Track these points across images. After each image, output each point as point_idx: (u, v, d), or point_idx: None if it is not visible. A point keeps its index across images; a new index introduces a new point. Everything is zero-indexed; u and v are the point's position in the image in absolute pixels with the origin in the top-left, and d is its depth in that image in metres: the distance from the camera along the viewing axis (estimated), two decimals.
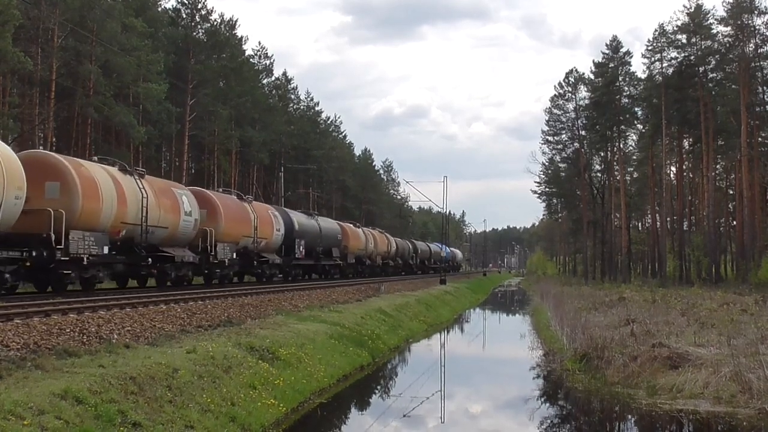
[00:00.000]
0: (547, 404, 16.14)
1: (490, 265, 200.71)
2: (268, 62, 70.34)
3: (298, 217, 36.99)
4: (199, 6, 54.20)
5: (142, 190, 22.05)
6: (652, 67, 58.91)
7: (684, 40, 55.62)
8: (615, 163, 67.44)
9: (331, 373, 15.87)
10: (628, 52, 64.68)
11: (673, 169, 65.22)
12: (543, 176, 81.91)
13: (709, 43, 53.75)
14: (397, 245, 60.76)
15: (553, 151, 75.30)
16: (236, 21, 58.21)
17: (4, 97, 35.60)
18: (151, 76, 42.50)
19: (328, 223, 43.15)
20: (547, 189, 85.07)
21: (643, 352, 16.46)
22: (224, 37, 55.67)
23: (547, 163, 79.01)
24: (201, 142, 55.94)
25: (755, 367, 13.77)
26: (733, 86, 52.03)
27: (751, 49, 49.60)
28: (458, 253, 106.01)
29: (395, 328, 25.69)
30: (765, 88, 51.14)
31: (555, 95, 72.48)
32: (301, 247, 35.45)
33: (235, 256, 28.09)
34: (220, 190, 34.26)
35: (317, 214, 43.11)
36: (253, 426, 10.81)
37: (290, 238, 34.23)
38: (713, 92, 54.30)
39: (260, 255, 30.96)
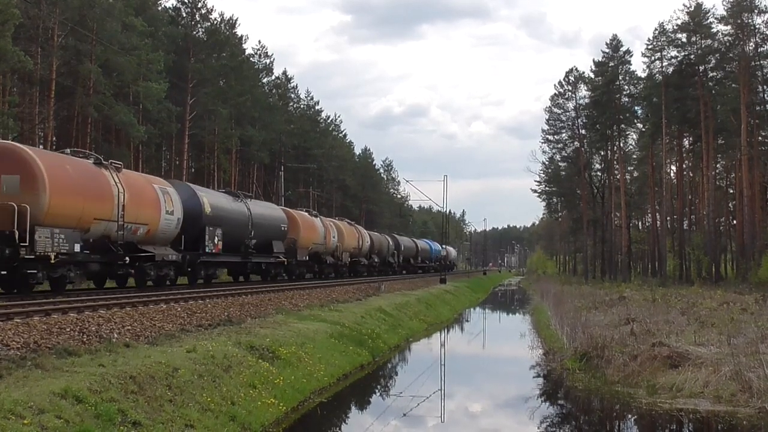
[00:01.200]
0: (547, 403, 16.14)
1: (490, 264, 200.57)
2: (268, 61, 70.34)
3: (211, 198, 27.92)
4: (199, 5, 54.15)
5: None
6: (652, 66, 58.95)
7: (684, 39, 55.60)
8: (615, 162, 67.42)
9: (331, 372, 15.87)
10: (628, 51, 64.74)
11: (673, 168, 65.28)
12: (543, 175, 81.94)
13: (709, 42, 53.72)
14: (372, 240, 52.34)
15: (553, 150, 75.41)
16: (236, 20, 58.23)
17: (4, 96, 35.56)
18: (151, 75, 42.47)
19: (265, 209, 34.06)
20: (547, 188, 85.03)
21: (643, 352, 16.47)
22: (224, 36, 55.62)
23: (547, 162, 79.05)
24: (201, 141, 55.91)
25: (755, 366, 13.78)
26: (733, 85, 51.99)
27: (751, 48, 49.58)
28: (452, 250, 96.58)
29: (395, 327, 25.70)
30: (765, 87, 51.10)
31: (555, 94, 72.56)
32: (216, 239, 26.67)
33: (77, 248, 18.61)
34: (69, 151, 21.32)
35: (251, 197, 34.26)
36: (253, 425, 10.81)
37: (196, 226, 25.37)
38: (713, 91, 54.28)
39: (137, 247, 21.81)
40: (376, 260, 52.98)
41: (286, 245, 33.93)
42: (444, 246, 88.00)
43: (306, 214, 39.74)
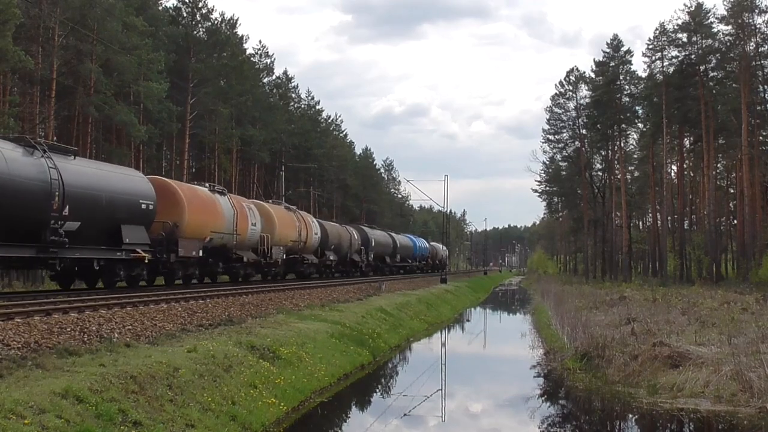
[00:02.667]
0: (548, 403, 16.14)
1: (491, 264, 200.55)
2: (268, 61, 70.30)
3: None
4: (200, 5, 54.13)
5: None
6: (652, 66, 58.89)
7: (685, 39, 55.55)
8: (616, 162, 67.37)
9: (331, 372, 15.87)
10: (628, 51, 64.64)
11: (674, 167, 65.26)
12: (544, 175, 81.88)
13: (709, 41, 53.68)
14: (325, 232, 40.78)
15: (554, 150, 75.34)
16: (237, 20, 58.17)
17: (5, 95, 35.55)
18: (151, 74, 42.46)
19: (107, 172, 20.75)
20: (547, 188, 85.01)
21: (643, 351, 16.47)
22: (225, 36, 55.59)
23: (547, 162, 79.01)
24: (202, 141, 55.92)
25: (756, 366, 13.78)
26: (733, 85, 51.95)
27: (751, 47, 49.53)
28: (440, 248, 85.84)
29: (396, 326, 25.70)
30: (765, 86, 51.07)
31: (556, 94, 72.51)
32: None
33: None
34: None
35: (72, 152, 19.49)
36: (253, 425, 10.81)
37: None
38: (714, 91, 54.23)
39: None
40: (331, 258, 41.45)
41: (158, 233, 22.55)
42: (432, 244, 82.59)
43: (203, 188, 26.80)
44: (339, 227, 46.11)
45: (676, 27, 55.81)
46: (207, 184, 27.70)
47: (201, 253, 24.45)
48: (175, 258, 22.95)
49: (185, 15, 54.13)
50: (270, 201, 37.07)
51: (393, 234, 62.25)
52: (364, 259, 49.39)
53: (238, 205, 28.60)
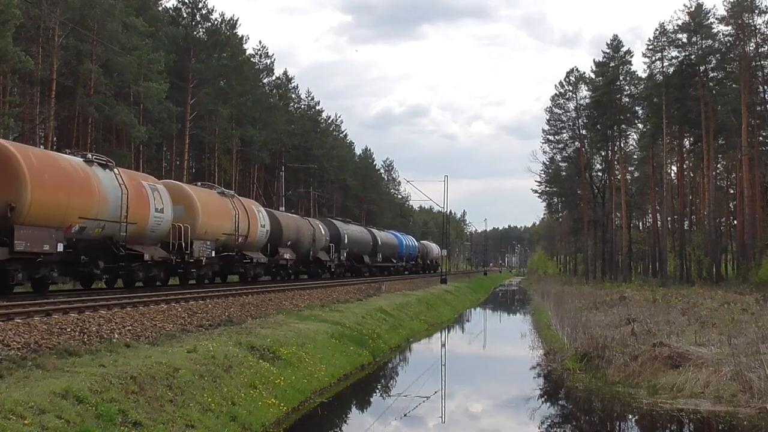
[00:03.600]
0: (548, 404, 16.14)
1: (491, 264, 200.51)
2: (268, 61, 70.29)
3: None
4: (200, 5, 54.19)
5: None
6: (652, 67, 58.86)
7: (684, 40, 55.54)
8: (616, 163, 67.34)
9: (331, 372, 15.87)
10: (628, 51, 64.61)
11: (674, 168, 65.23)
12: (544, 175, 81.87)
13: (709, 42, 53.67)
14: (277, 225, 33.48)
15: (554, 151, 75.31)
16: (237, 20, 58.17)
17: (5, 96, 35.55)
18: (151, 75, 42.46)
19: None
20: (547, 188, 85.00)
21: (643, 352, 16.46)
22: (225, 37, 55.60)
23: (547, 163, 79.00)
24: (202, 142, 55.92)
25: (756, 367, 13.77)
26: (733, 85, 51.94)
27: (751, 48, 49.53)
28: (433, 247, 78.79)
29: (396, 327, 25.70)
30: (765, 87, 51.06)
31: (556, 94, 72.48)
32: None
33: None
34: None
35: None
36: (253, 425, 10.81)
37: None
38: (714, 91, 54.22)
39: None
40: (287, 256, 34.36)
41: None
42: (423, 243, 77.23)
43: (68, 157, 19.66)
44: (299, 219, 38.96)
45: (676, 27, 55.86)
46: (80, 154, 20.56)
47: (62, 248, 17.52)
48: (8, 254, 15.83)
49: (185, 15, 54.18)
50: (199, 184, 29.78)
51: (374, 230, 55.09)
52: (334, 259, 41.84)
53: (133, 184, 21.39)
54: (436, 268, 77.07)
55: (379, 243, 53.16)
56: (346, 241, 44.17)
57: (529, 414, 14.59)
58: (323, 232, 40.85)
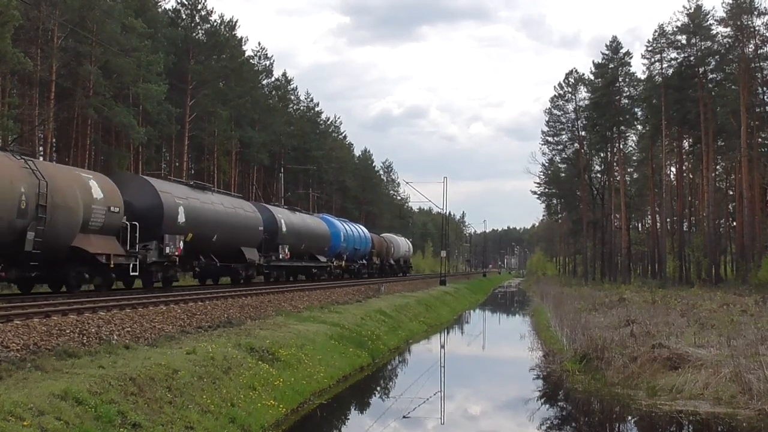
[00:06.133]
0: (547, 405, 16.13)
1: (490, 265, 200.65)
2: (267, 63, 70.36)
3: None
4: (199, 7, 54.19)
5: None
6: (651, 68, 58.98)
7: (684, 41, 55.61)
8: (615, 164, 67.42)
9: (331, 373, 15.86)
10: (627, 53, 64.76)
11: (673, 169, 65.26)
12: (543, 177, 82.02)
13: (708, 43, 53.73)
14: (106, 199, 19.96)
15: (553, 152, 75.47)
16: (236, 22, 58.20)
17: (4, 97, 35.53)
18: (150, 76, 42.47)
19: None
20: (547, 190, 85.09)
21: (642, 353, 16.46)
22: (224, 38, 55.63)
23: (547, 164, 79.13)
24: (201, 143, 55.91)
25: (755, 368, 13.77)
26: (732, 87, 51.98)
27: (750, 49, 49.57)
28: (399, 243, 61.32)
29: (395, 328, 25.69)
30: (765, 88, 51.07)
31: (555, 96, 72.63)
32: None
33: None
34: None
35: None
36: (252, 427, 10.80)
37: None
38: (713, 93, 54.26)
39: None
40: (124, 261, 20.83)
41: None
42: (384, 235, 60.79)
43: None
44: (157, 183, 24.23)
45: (675, 29, 55.97)
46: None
47: None
48: None
49: (184, 17, 54.20)
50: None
51: (274, 208, 35.24)
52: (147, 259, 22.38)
53: None
54: (406, 270, 65.35)
55: (282, 230, 33.65)
56: (181, 220, 24.19)
57: (528, 415, 14.59)
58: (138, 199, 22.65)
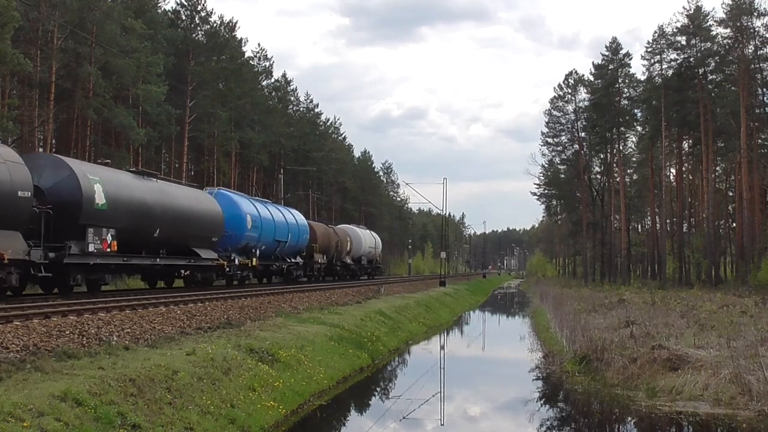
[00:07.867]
0: (547, 406, 16.13)
1: (490, 267, 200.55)
2: (267, 64, 70.26)
3: None
4: (199, 8, 54.19)
5: None
6: (651, 69, 58.91)
7: (683, 42, 55.60)
8: (615, 165, 67.40)
9: (330, 375, 15.86)
10: (627, 54, 64.72)
11: (673, 170, 65.24)
12: (542, 178, 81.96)
13: (708, 44, 53.71)
14: None
15: (553, 153, 75.42)
16: (236, 23, 58.16)
17: (4, 98, 35.53)
18: (150, 77, 42.47)
19: None
20: (546, 191, 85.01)
21: (642, 354, 16.46)
22: (224, 39, 55.63)
23: (546, 165, 79.10)
24: (200, 144, 55.88)
25: (755, 369, 13.76)
26: (732, 88, 51.98)
27: (750, 50, 49.56)
28: (360, 237, 49.73)
29: (395, 329, 25.69)
30: (764, 89, 51.04)
31: (554, 97, 72.60)
32: None
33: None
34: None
35: None
36: (252, 428, 10.81)
37: None
38: (713, 94, 54.24)
39: None
40: None
41: None
42: (343, 226, 50.12)
43: None
44: None
45: (674, 30, 55.92)
46: None
47: None
48: None
49: (184, 18, 54.20)
50: None
51: (80, 165, 20.44)
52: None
53: None
54: (373, 272, 53.52)
55: (96, 201, 19.37)
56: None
57: (528, 416, 14.59)
58: None
